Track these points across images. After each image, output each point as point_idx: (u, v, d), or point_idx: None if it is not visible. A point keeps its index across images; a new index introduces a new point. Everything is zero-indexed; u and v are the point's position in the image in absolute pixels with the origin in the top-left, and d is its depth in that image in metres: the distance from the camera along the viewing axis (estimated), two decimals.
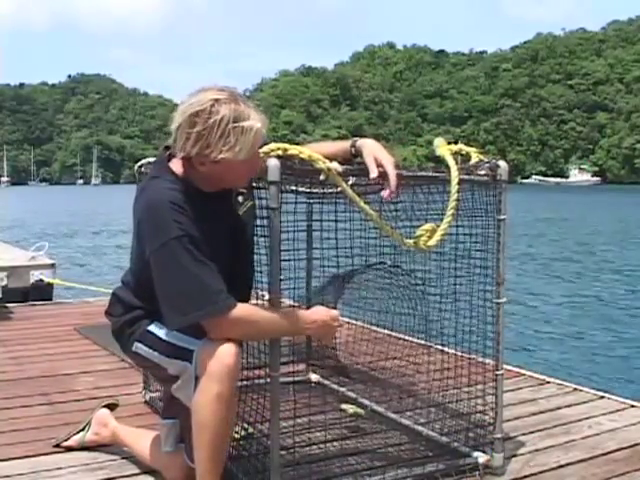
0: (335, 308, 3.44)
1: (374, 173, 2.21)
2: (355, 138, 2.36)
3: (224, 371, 2.03)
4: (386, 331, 3.30)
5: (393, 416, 2.94)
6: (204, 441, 2.10)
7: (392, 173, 2.21)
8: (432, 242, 2.35)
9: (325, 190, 2.63)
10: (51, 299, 7.41)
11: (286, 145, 2.16)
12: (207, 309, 2.03)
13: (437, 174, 2.46)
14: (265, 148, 2.13)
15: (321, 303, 3.43)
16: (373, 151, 2.26)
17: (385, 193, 2.25)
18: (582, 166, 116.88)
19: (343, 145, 2.37)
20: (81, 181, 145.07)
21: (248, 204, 2.30)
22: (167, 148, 2.22)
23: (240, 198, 2.29)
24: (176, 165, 2.17)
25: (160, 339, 2.21)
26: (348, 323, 3.56)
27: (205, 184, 2.15)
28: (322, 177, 2.19)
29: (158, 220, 2.05)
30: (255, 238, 2.29)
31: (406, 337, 3.21)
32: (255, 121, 2.05)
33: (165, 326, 2.17)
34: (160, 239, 2.04)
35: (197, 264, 2.03)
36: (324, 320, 2.21)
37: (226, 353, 2.04)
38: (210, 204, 2.15)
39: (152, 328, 2.22)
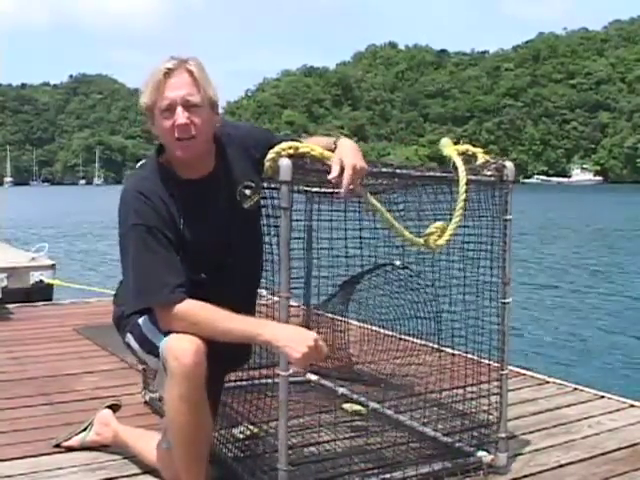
0: (345, 312, 3.45)
1: (332, 175, 2.12)
2: (340, 136, 2.29)
3: (183, 372, 2.01)
4: (390, 332, 3.31)
5: (398, 416, 2.94)
6: (176, 440, 2.12)
7: (347, 175, 2.11)
8: (442, 241, 2.36)
9: (332, 189, 2.61)
10: (51, 300, 7.41)
11: (297, 144, 2.16)
12: (149, 298, 2.10)
13: (445, 174, 2.46)
14: (276, 148, 2.14)
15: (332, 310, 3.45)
16: (341, 153, 2.17)
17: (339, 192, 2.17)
18: (584, 166, 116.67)
19: (328, 142, 2.29)
20: (83, 181, 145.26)
21: (255, 198, 2.29)
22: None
23: (247, 191, 2.27)
24: (163, 155, 2.22)
25: (141, 332, 2.23)
26: (348, 323, 3.56)
27: (181, 168, 2.18)
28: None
29: (122, 209, 2.16)
30: (268, 237, 2.30)
31: (409, 337, 3.22)
32: (159, 66, 2.11)
33: (149, 319, 2.20)
34: (121, 227, 2.15)
35: (148, 254, 2.08)
36: (299, 341, 1.97)
37: (185, 352, 2.02)
38: (191, 192, 2.18)
39: (140, 321, 2.24)
